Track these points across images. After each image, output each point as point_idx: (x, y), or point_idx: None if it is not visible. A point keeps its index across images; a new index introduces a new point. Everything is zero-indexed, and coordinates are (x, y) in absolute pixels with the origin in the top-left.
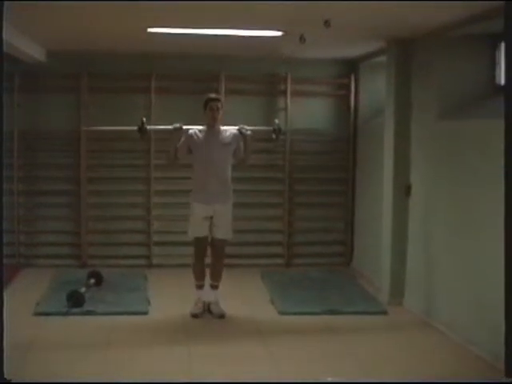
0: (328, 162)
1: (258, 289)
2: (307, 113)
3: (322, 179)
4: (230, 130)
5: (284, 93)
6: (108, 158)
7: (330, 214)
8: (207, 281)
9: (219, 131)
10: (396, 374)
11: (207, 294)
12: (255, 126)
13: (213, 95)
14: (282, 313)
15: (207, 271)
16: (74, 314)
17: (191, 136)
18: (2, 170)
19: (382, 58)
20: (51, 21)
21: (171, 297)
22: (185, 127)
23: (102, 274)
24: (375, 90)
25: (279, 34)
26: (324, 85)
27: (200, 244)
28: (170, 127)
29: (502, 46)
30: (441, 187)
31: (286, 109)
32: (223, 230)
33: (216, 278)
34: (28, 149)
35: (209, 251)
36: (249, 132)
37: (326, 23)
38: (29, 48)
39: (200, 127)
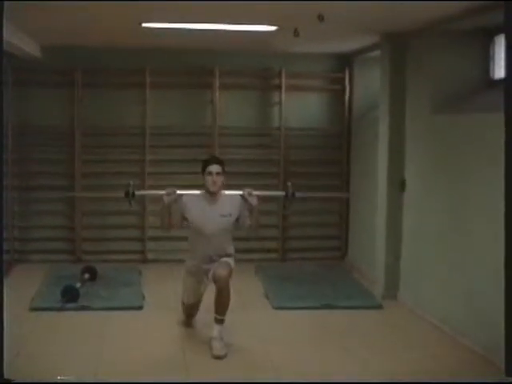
0: (322, 157)
1: (253, 283)
2: (302, 107)
3: (316, 174)
4: (232, 196)
5: (278, 87)
6: (102, 153)
7: (324, 208)
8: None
9: (219, 199)
10: (391, 368)
11: (211, 332)
12: (249, 120)
13: (213, 158)
14: (276, 307)
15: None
16: (68, 309)
17: (185, 204)
18: (2, 165)
19: (377, 53)
20: (46, 16)
21: (166, 292)
22: (178, 192)
23: (97, 269)
24: (370, 84)
25: (273, 28)
26: (318, 79)
27: (190, 307)
28: (162, 192)
29: (497, 39)
30: (435, 182)
31: (280, 103)
32: (224, 265)
33: (220, 311)
34: (22, 144)
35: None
36: (255, 200)
37: (320, 17)
38: (23, 43)
39: (197, 192)
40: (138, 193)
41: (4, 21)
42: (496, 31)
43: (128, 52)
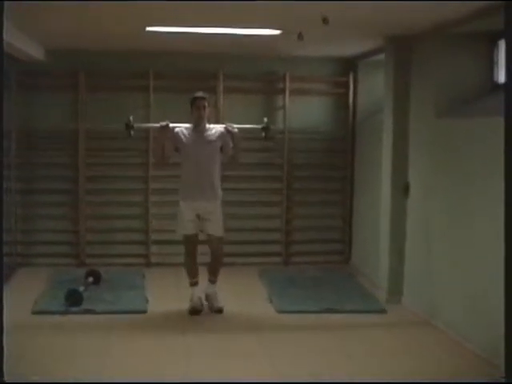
0: (326, 161)
1: (256, 287)
2: (305, 111)
3: (320, 177)
4: (216, 127)
5: (282, 91)
6: (106, 157)
7: (328, 212)
8: (204, 276)
9: (205, 129)
10: (394, 372)
11: (204, 288)
12: (254, 124)
13: (199, 94)
14: (279, 311)
15: (201, 269)
16: (72, 312)
17: (177, 134)
18: (2, 168)
19: (381, 57)
20: (50, 19)
21: (169, 295)
22: (171, 125)
23: (101, 273)
24: (374, 88)
25: (277, 32)
26: (322, 83)
27: (189, 241)
28: (156, 125)
29: (501, 43)
30: (439, 185)
31: (284, 107)
32: (213, 227)
33: (213, 273)
34: (26, 147)
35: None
36: (235, 129)
37: (325, 20)
38: (27, 46)
39: (187, 125)
40: (136, 125)
41: (4, 21)
42: (500, 35)
43: (132, 55)
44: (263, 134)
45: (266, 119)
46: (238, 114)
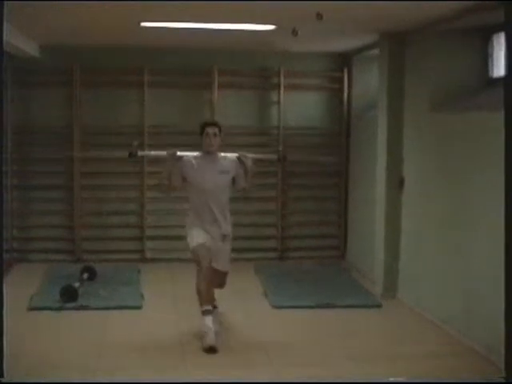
0: (321, 156)
1: (252, 282)
2: (300, 106)
3: (315, 172)
4: (228, 156)
5: (277, 86)
6: (101, 152)
7: (323, 207)
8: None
9: (216, 158)
10: (390, 367)
11: (215, 320)
12: (248, 119)
13: (210, 120)
14: (275, 306)
15: None
16: (67, 308)
17: (186, 164)
18: (2, 163)
19: (375, 52)
20: (44, 15)
21: (165, 291)
22: (179, 153)
23: (96, 269)
24: (368, 83)
25: (272, 27)
26: (317, 78)
27: (203, 254)
28: (163, 153)
29: (495, 38)
30: (434, 180)
31: (278, 102)
32: (222, 263)
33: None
34: (21, 143)
35: None
36: (249, 160)
37: (319, 16)
38: (22, 43)
39: (196, 153)
40: (140, 153)
41: (4, 21)
42: (494, 30)
43: (127, 51)
44: (278, 163)
45: (280, 148)
46: (233, 109)
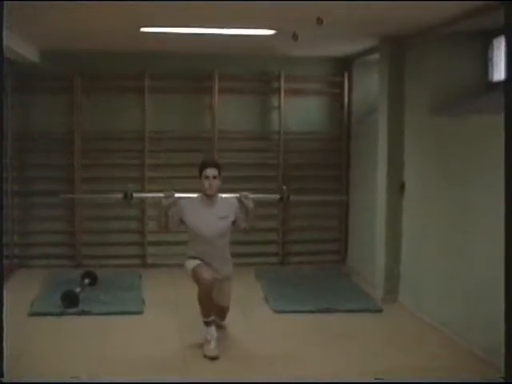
0: (322, 160)
1: (253, 287)
2: (301, 111)
3: (315, 177)
4: (228, 199)
5: (277, 91)
6: (101, 158)
7: (324, 211)
8: None
9: (216, 202)
10: (391, 371)
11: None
12: (248, 124)
13: (209, 160)
14: (276, 311)
15: None
16: (68, 314)
17: (183, 208)
18: (2, 169)
19: (375, 56)
20: (44, 21)
21: (166, 296)
22: (177, 195)
23: (97, 274)
24: (369, 87)
25: (272, 32)
26: (317, 83)
27: (203, 270)
28: (160, 195)
29: (495, 42)
30: (434, 184)
31: (279, 107)
32: (222, 299)
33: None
34: (22, 149)
35: None
36: (250, 202)
37: (319, 21)
38: (22, 49)
39: (194, 195)
40: (136, 195)
41: (4, 21)
42: (494, 34)
43: (127, 56)
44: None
45: (284, 187)
46: (234, 114)
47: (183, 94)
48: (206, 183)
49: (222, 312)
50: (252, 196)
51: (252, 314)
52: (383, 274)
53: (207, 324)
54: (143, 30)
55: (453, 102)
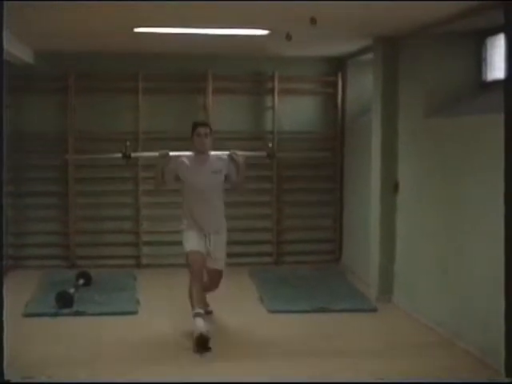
0: (316, 160)
1: (247, 287)
2: (295, 111)
3: (310, 177)
4: (220, 155)
5: (271, 91)
6: (95, 159)
7: (318, 211)
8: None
9: (208, 158)
10: (386, 371)
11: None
12: (243, 124)
13: (200, 120)
14: (271, 311)
15: None
16: (63, 314)
17: (178, 165)
18: (2, 170)
19: (369, 56)
20: (39, 22)
21: (160, 297)
22: (171, 153)
23: (91, 275)
24: (362, 87)
25: (266, 32)
26: (311, 83)
27: (196, 258)
28: (155, 154)
29: (488, 42)
30: (428, 184)
31: (273, 107)
32: (220, 261)
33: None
34: (15, 150)
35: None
36: (240, 158)
37: (313, 21)
38: (16, 49)
39: (188, 153)
40: (134, 154)
41: (4, 21)
42: (488, 33)
43: (121, 57)
44: (268, 160)
45: (270, 145)
46: (227, 114)
47: (177, 95)
48: (199, 141)
49: (214, 279)
50: (241, 153)
51: (246, 314)
52: (377, 273)
53: (195, 315)
54: (137, 30)
55: (446, 101)
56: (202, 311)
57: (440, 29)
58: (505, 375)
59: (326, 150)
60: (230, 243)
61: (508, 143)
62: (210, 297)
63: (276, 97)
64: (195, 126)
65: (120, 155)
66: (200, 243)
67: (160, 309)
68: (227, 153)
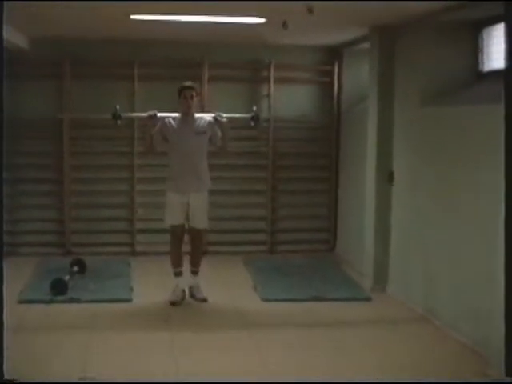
0: (311, 149)
1: (241, 276)
2: (290, 100)
3: (305, 166)
4: (205, 117)
5: (267, 79)
6: (91, 146)
7: (313, 200)
8: (187, 267)
9: (194, 119)
10: (379, 361)
11: (187, 281)
12: (239, 112)
13: (187, 83)
14: (265, 299)
15: (186, 258)
16: (57, 301)
17: (165, 124)
18: (2, 159)
19: (366, 45)
20: (34, 8)
21: (155, 284)
22: (159, 115)
23: (86, 262)
24: (359, 76)
25: (262, 20)
26: (307, 71)
27: (176, 231)
28: (144, 114)
29: (485, 32)
30: (423, 173)
31: (269, 95)
32: (199, 220)
33: (195, 264)
34: (10, 136)
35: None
36: (225, 119)
37: (309, 10)
38: (11, 35)
39: (175, 115)
40: (123, 115)
41: (4, 21)
42: (485, 23)
43: (117, 44)
44: (252, 123)
45: (255, 108)
46: (223, 102)
47: (173, 82)
48: (185, 103)
49: (194, 237)
50: (226, 115)
51: (241, 303)
52: (372, 263)
53: (175, 275)
54: (133, 17)
55: (443, 91)
56: (180, 270)
57: (436, 18)
58: (505, 375)
59: (321, 138)
60: (224, 232)
61: (508, 136)
62: (204, 284)
63: (272, 85)
64: (182, 88)
65: (110, 116)
66: (179, 215)
67: (154, 296)
68: (212, 115)
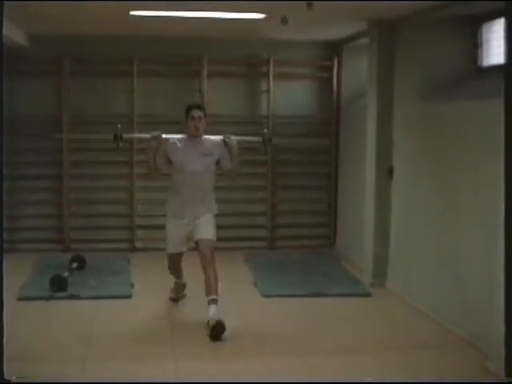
0: (311, 145)
1: (241, 271)
2: (290, 95)
3: (305, 161)
4: (213, 139)
5: (266, 75)
6: (90, 142)
7: (313, 196)
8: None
9: (201, 141)
10: (379, 356)
11: (207, 315)
12: (237, 109)
13: (194, 103)
14: (265, 295)
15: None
16: (57, 298)
17: (170, 146)
18: (2, 156)
19: (365, 40)
20: (33, 4)
21: (155, 280)
22: (164, 136)
23: (85, 258)
24: (358, 72)
25: (261, 16)
26: (307, 67)
27: (175, 258)
28: (147, 135)
29: (484, 27)
30: (423, 169)
31: (268, 91)
32: (204, 230)
33: (211, 291)
34: (9, 133)
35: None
36: (234, 142)
37: (309, 6)
38: (10, 32)
39: (180, 136)
40: (125, 136)
41: (4, 21)
42: (484, 19)
43: (116, 40)
44: (263, 147)
45: (266, 130)
46: (222, 98)
47: (172, 78)
48: (192, 124)
49: (204, 248)
50: (235, 138)
51: (241, 298)
52: (372, 258)
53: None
54: (132, 13)
55: (442, 87)
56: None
57: (436, 13)
58: (505, 375)
59: (320, 134)
60: (224, 227)
61: (508, 130)
62: (203, 281)
63: (271, 81)
64: (189, 108)
65: (111, 138)
66: (181, 243)
67: (154, 292)
68: (220, 137)
